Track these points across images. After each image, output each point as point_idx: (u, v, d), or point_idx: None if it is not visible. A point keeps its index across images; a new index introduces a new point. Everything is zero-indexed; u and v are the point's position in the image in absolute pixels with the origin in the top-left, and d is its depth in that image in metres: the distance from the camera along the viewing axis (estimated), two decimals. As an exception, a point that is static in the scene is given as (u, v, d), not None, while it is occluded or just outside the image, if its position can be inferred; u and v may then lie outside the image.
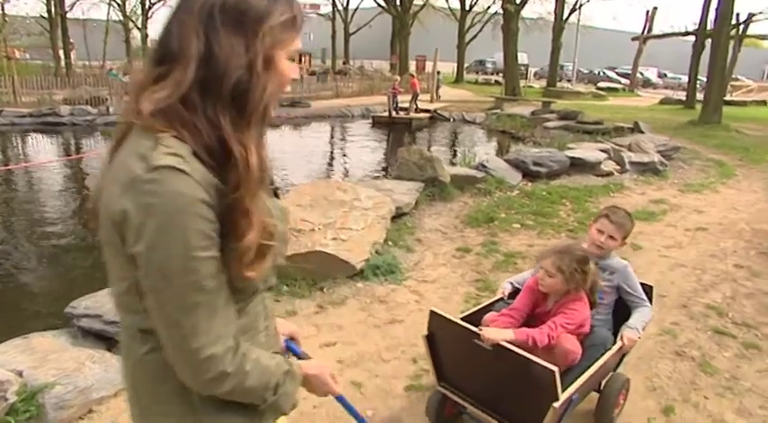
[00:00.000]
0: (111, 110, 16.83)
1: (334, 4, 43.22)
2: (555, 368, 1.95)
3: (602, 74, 40.52)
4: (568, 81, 34.71)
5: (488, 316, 2.54)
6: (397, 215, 5.58)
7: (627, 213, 2.68)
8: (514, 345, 2.13)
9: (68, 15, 30.53)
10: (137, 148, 0.88)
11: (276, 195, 1.13)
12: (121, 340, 1.06)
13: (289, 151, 13.48)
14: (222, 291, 0.92)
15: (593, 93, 28.58)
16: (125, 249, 0.89)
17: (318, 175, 10.57)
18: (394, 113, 17.74)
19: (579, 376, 2.21)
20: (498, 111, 18.65)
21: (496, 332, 2.19)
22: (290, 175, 10.38)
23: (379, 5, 37.32)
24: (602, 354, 2.37)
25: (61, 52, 29.31)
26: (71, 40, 30.84)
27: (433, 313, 2.37)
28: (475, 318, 2.54)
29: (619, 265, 2.67)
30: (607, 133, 12.39)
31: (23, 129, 15.15)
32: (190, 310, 0.88)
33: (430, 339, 2.42)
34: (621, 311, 2.70)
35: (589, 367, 2.27)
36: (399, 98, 18.11)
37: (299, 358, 1.35)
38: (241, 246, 0.90)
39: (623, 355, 2.63)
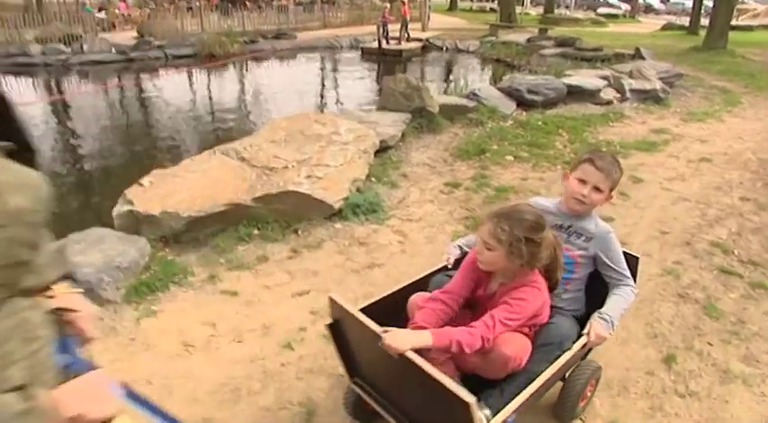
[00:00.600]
0: (85, 48, 15.86)
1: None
2: (471, 400, 1.38)
3: (601, 0, 38.72)
4: (566, 7, 33.23)
5: (415, 299, 1.98)
6: (382, 149, 5.19)
7: (614, 158, 2.07)
8: (435, 350, 1.64)
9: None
10: None
11: (28, 162, 0.83)
12: None
13: (274, 85, 12.84)
14: None
15: (593, 19, 27.37)
16: None
17: (304, 109, 10.04)
18: (384, 43, 16.91)
19: (525, 385, 1.71)
20: (493, 38, 17.76)
21: (404, 337, 1.58)
22: (275, 110, 9.86)
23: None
24: (558, 356, 1.82)
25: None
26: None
27: (332, 301, 1.85)
28: (402, 297, 2.02)
29: (599, 229, 2.05)
30: (607, 60, 11.76)
31: (-9, 70, 14.24)
32: None
33: (334, 329, 1.92)
34: (598, 286, 2.11)
35: (539, 373, 1.75)
36: (390, 27, 17.20)
37: (75, 370, 1.02)
38: None
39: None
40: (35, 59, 15.10)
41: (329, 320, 1.93)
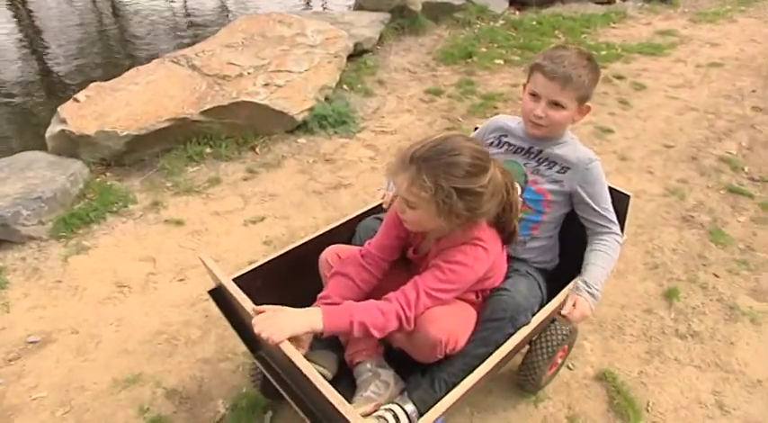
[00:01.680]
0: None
1: None
2: (355, 419, 0.98)
3: None
4: None
5: (327, 255, 1.51)
6: (357, 53, 4.61)
7: (582, 55, 1.50)
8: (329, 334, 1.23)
9: None
10: None
11: None
12: None
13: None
14: None
15: None
16: None
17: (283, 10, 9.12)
18: None
19: (462, 374, 1.30)
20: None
21: (283, 322, 1.14)
22: (251, 10, 8.95)
23: None
24: (510, 335, 1.38)
25: None
26: None
27: (204, 263, 1.37)
28: (316, 249, 1.55)
29: (579, 157, 1.55)
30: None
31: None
32: None
33: (216, 297, 1.46)
34: (575, 228, 1.64)
35: (482, 358, 1.32)
36: None
37: None
38: None
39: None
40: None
41: (212, 285, 1.47)
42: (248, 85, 3.33)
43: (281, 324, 1.13)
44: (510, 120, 1.71)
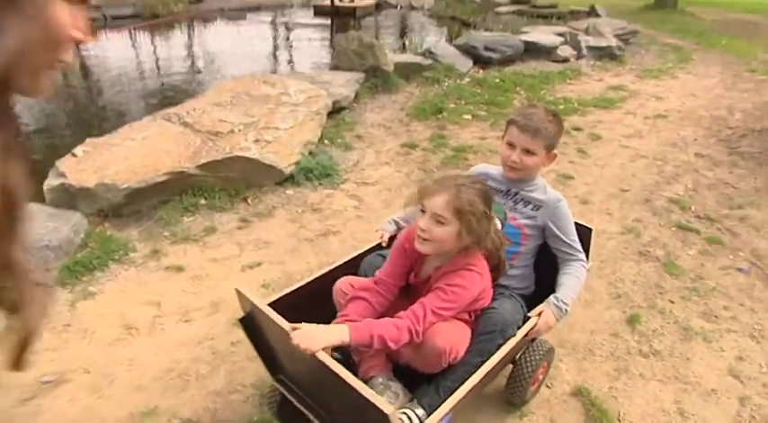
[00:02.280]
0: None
1: None
2: (389, 411, 1.18)
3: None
4: (522, -37, 32.78)
5: (341, 285, 1.75)
6: (335, 110, 4.94)
7: (548, 112, 1.83)
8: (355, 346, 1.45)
9: None
10: None
11: None
12: None
13: (222, 46, 12.19)
14: None
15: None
16: None
17: (255, 71, 9.56)
18: (337, 1, 16.25)
19: (463, 379, 1.51)
20: (448, -4, 17.36)
21: (317, 335, 1.36)
22: (224, 73, 9.35)
23: None
24: (500, 345, 1.62)
25: None
26: None
27: (239, 294, 1.61)
28: (329, 283, 1.79)
29: (548, 197, 1.85)
30: (562, 17, 11.66)
31: None
32: None
33: (246, 324, 1.68)
34: (548, 258, 1.92)
35: (479, 365, 1.55)
36: None
37: None
38: None
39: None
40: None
41: (241, 314, 1.68)
42: (240, 141, 3.58)
43: (317, 336, 1.35)
44: (490, 167, 2.01)
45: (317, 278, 1.84)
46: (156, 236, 3.14)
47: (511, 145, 1.82)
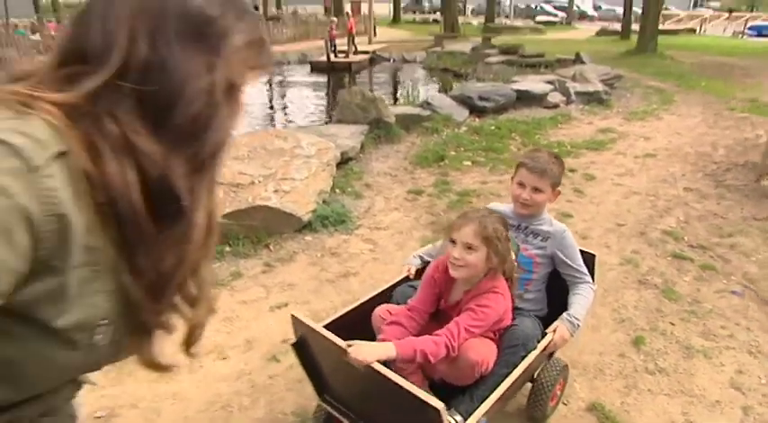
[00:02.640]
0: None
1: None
2: (440, 405, 1.38)
3: (538, 8, 40.34)
4: (506, 17, 34.37)
5: (379, 311, 1.99)
6: (343, 161, 5.25)
7: (551, 155, 2.13)
8: (401, 360, 1.66)
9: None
10: None
11: None
12: None
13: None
14: None
15: (532, 27, 28.46)
16: None
17: (258, 125, 9.98)
18: (333, 57, 16.97)
19: (493, 388, 1.72)
20: (438, 49, 18.18)
21: (369, 350, 1.57)
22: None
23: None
24: (524, 357, 1.84)
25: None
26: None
27: (295, 319, 1.82)
28: (365, 311, 2.03)
29: (554, 228, 2.11)
30: (550, 66, 12.27)
31: None
32: None
33: (299, 348, 1.88)
34: (559, 283, 2.17)
35: (507, 375, 1.77)
36: (337, 41, 17.29)
37: None
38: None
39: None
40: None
41: (293, 339, 1.89)
42: (261, 192, 3.85)
43: (369, 351, 1.57)
44: (501, 205, 2.29)
45: (356, 306, 2.06)
46: (186, 282, 3.35)
47: (521, 184, 2.08)
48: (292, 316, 1.82)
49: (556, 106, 7.90)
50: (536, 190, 2.06)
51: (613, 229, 4.04)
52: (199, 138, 0.68)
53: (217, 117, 0.69)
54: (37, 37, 21.94)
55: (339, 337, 1.72)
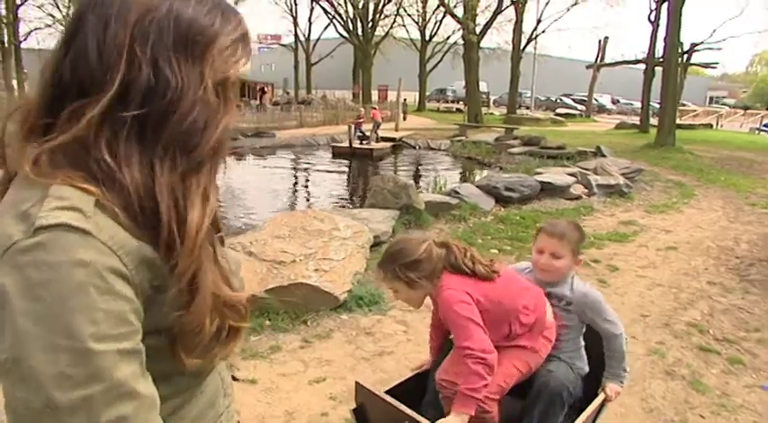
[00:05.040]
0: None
1: (296, 35, 43.62)
2: None
3: (559, 100, 41.92)
4: (527, 108, 35.74)
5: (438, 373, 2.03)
6: (375, 244, 5.51)
7: (571, 222, 2.21)
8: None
9: (23, 45, 29.84)
10: (14, 203, 0.64)
11: (222, 243, 0.91)
12: None
13: (255, 181, 13.31)
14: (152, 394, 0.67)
15: (552, 119, 29.48)
16: None
17: (283, 206, 10.42)
18: (357, 143, 17.19)
19: None
20: (462, 138, 18.94)
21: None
22: (257, 206, 10.24)
23: (341, 36, 37.85)
24: (553, 403, 1.93)
25: (14, 82, 28.43)
26: (25, 71, 30.01)
27: (359, 385, 1.93)
28: (421, 379, 2.17)
29: (575, 294, 2.10)
30: (571, 158, 12.71)
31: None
32: None
33: (359, 414, 1.97)
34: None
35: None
36: (363, 127, 17.65)
37: None
38: (189, 329, 0.69)
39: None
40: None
41: (353, 405, 2.00)
42: (303, 270, 4.10)
43: None
44: (525, 272, 2.31)
45: (413, 376, 2.22)
46: (228, 354, 3.53)
47: (540, 251, 2.12)
48: (356, 383, 1.97)
49: (578, 198, 8.19)
50: (555, 256, 2.09)
51: (638, 320, 4.16)
52: (194, 143, 0.69)
53: (214, 120, 0.71)
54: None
55: (407, 404, 1.86)
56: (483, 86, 32.49)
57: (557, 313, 2.18)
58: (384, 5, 35.94)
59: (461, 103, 33.39)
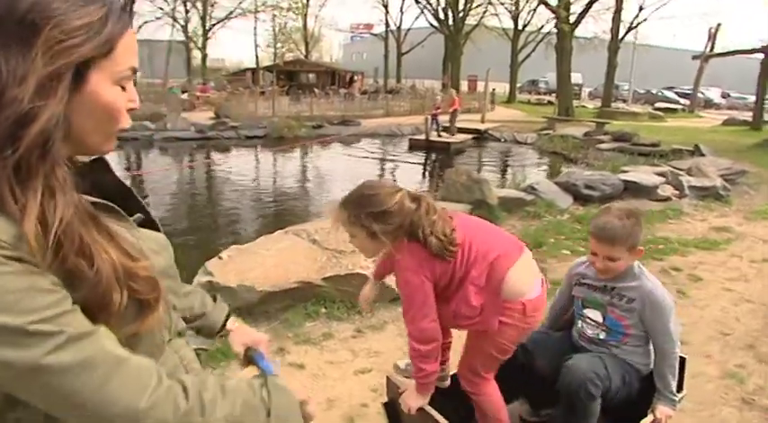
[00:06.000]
0: (168, 125, 17.49)
1: (387, 25, 43.84)
2: None
3: (660, 94, 39.17)
4: (624, 101, 33.75)
5: None
6: (441, 237, 5.44)
7: (623, 214, 1.99)
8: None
9: (136, 37, 32.25)
10: None
11: (155, 227, 0.93)
12: None
13: (336, 169, 13.63)
14: (111, 339, 0.72)
15: (651, 113, 27.65)
16: None
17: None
18: (434, 136, 16.75)
19: None
20: (550, 131, 18.25)
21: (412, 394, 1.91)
22: (335, 193, 10.48)
23: (431, 26, 37.57)
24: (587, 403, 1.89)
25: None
26: (137, 60, 32.47)
27: (389, 380, 1.99)
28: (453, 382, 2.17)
29: (639, 293, 2.01)
30: (664, 156, 11.87)
31: (87, 143, 15.98)
32: (86, 377, 0.67)
33: (389, 408, 2.04)
34: None
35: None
36: (440, 119, 17.03)
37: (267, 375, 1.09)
38: (95, 302, 0.71)
39: None
40: (125, 134, 16.73)
41: (385, 399, 2.06)
42: (361, 260, 4.12)
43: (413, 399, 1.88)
44: (584, 266, 2.27)
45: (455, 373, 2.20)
46: (281, 335, 3.63)
47: (594, 254, 2.04)
48: (387, 377, 2.02)
49: (666, 199, 7.62)
50: (609, 259, 2.00)
51: (717, 338, 3.81)
52: (18, 136, 0.65)
53: (33, 115, 0.66)
54: (185, 96, 25.08)
55: (433, 403, 1.86)
56: (577, 78, 31.12)
57: (616, 312, 2.09)
58: (476, -6, 35.20)
59: (553, 94, 32.08)
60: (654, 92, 39.97)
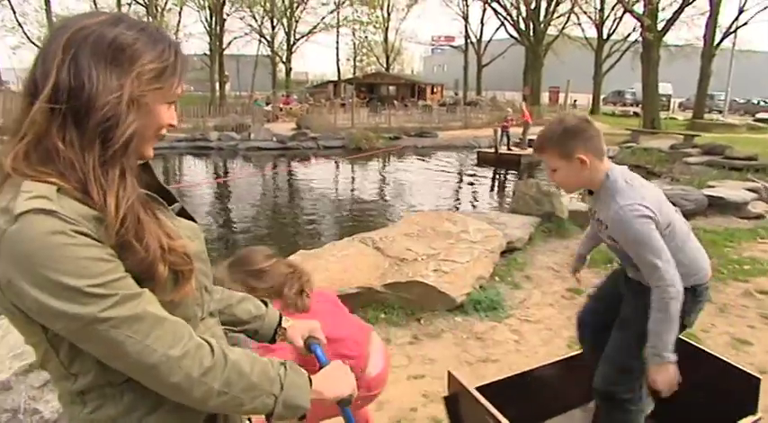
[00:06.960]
0: (252, 136, 18.43)
1: (467, 37, 43.77)
2: None
3: (762, 103, 36.33)
4: (719, 112, 31.59)
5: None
6: (509, 250, 5.41)
7: (556, 121, 1.85)
8: None
9: (225, 52, 34.31)
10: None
11: (187, 216, 1.07)
12: (62, 406, 0.99)
13: (410, 180, 13.78)
14: (154, 301, 0.88)
15: (749, 125, 25.71)
16: (24, 314, 0.83)
17: (433, 205, 10.61)
18: (503, 149, 16.29)
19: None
20: (633, 144, 17.44)
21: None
22: (407, 204, 10.63)
23: (511, 37, 37.07)
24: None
25: (217, 84, 32.92)
26: (226, 74, 34.58)
27: (451, 376, 2.04)
28: (523, 382, 2.21)
29: (607, 213, 1.75)
30: (761, 170, 11.03)
31: (179, 151, 17.28)
32: (133, 330, 0.83)
33: (450, 403, 2.09)
34: None
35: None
36: (511, 131, 16.60)
37: (322, 366, 1.21)
38: (146, 274, 0.87)
39: None
40: (212, 144, 18.01)
41: (446, 393, 2.12)
42: (421, 269, 4.20)
43: None
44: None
45: (513, 376, 2.27)
46: (343, 340, 3.77)
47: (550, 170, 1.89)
48: (448, 372, 2.11)
49: (759, 217, 7.10)
50: (551, 170, 1.83)
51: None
52: (108, 137, 0.84)
53: (123, 121, 0.85)
54: (269, 108, 26.32)
55: (495, 403, 1.91)
56: (666, 88, 29.55)
57: (608, 242, 1.91)
58: (558, 4, 34.35)
59: (640, 106, 30.61)
60: (754, 102, 37.15)
